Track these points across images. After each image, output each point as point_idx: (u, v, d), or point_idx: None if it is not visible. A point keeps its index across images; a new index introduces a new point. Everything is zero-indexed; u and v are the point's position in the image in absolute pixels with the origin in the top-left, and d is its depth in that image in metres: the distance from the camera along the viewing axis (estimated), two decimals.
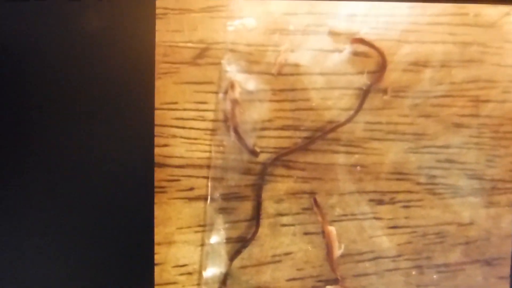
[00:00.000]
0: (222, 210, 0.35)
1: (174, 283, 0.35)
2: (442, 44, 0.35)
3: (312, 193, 0.36)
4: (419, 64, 0.35)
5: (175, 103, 0.35)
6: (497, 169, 0.36)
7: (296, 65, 0.35)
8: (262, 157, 0.35)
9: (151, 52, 0.34)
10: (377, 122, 0.35)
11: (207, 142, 0.35)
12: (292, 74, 0.35)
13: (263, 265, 0.36)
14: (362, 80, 0.35)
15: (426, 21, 0.35)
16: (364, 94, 0.35)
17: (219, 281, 0.36)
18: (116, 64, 0.34)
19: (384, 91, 0.35)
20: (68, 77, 0.34)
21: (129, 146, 0.35)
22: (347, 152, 0.35)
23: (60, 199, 0.35)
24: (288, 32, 0.35)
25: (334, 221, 0.36)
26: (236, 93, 0.35)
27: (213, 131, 0.35)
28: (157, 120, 0.35)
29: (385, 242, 0.36)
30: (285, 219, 0.36)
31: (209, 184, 0.35)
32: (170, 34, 0.34)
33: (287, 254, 0.36)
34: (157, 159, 0.35)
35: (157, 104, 0.35)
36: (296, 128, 0.35)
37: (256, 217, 0.35)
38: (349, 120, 0.35)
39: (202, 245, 0.36)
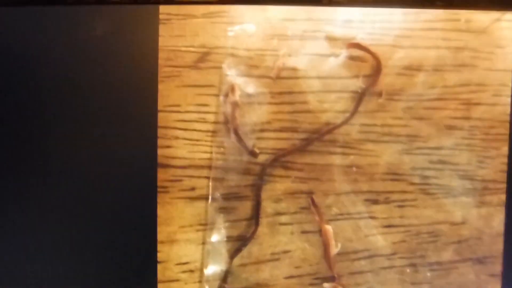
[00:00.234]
0: (223, 210, 0.36)
1: (177, 280, 0.36)
2: (435, 49, 0.36)
3: (309, 193, 0.36)
4: (412, 68, 0.36)
5: (178, 105, 0.35)
6: (488, 170, 0.36)
7: (294, 69, 0.36)
8: (261, 158, 0.36)
9: (154, 57, 0.35)
10: (372, 124, 0.36)
11: (208, 144, 0.36)
12: (290, 78, 0.36)
13: (262, 263, 0.36)
14: (358, 84, 0.36)
15: (419, 27, 0.35)
16: (359, 97, 0.36)
17: (220, 279, 0.36)
18: (121, 68, 0.35)
19: (379, 94, 0.36)
20: (75, 80, 0.35)
21: (133, 147, 0.35)
22: (343, 153, 0.36)
23: (66, 199, 0.35)
24: (287, 38, 0.35)
25: (331, 220, 0.36)
26: (236, 96, 0.35)
27: (214, 133, 0.36)
28: (160, 122, 0.35)
29: (380, 241, 0.36)
30: (283, 218, 0.36)
31: (210, 184, 0.36)
32: (173, 39, 0.35)
33: (285, 252, 0.36)
34: (160, 160, 0.35)
35: (160, 106, 0.35)
36: (294, 130, 0.36)
37: (255, 216, 0.36)
38: (345, 122, 0.36)
39: (204, 243, 0.36)
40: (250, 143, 0.36)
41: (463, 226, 0.36)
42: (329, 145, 0.36)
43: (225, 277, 0.36)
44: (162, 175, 0.35)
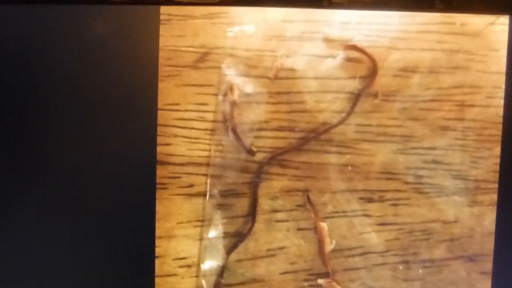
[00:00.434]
0: (220, 206, 0.36)
1: (174, 275, 0.36)
2: (430, 51, 0.36)
3: (305, 191, 0.36)
4: (408, 70, 0.36)
5: (177, 104, 0.36)
6: (480, 170, 0.36)
7: (292, 70, 0.36)
8: (259, 157, 0.36)
9: (155, 56, 0.35)
10: (367, 125, 0.36)
11: (207, 142, 0.36)
12: (287, 78, 0.36)
13: (258, 258, 0.36)
14: (354, 85, 0.36)
15: (415, 30, 0.36)
16: (355, 97, 0.36)
17: (217, 274, 0.36)
18: (122, 67, 0.35)
19: (375, 95, 0.36)
20: (76, 79, 0.35)
21: (133, 145, 0.36)
22: (339, 153, 0.36)
23: (67, 194, 0.36)
24: (285, 39, 0.36)
25: (326, 217, 0.36)
26: (235, 96, 0.36)
27: (213, 131, 0.36)
28: (160, 120, 0.36)
29: (374, 238, 0.36)
30: (279, 215, 0.36)
31: (208, 181, 0.36)
32: (173, 39, 0.35)
33: (281, 248, 0.36)
34: (159, 157, 0.36)
35: (160, 105, 0.36)
36: (291, 129, 0.36)
37: (252, 213, 0.36)
38: (341, 122, 0.36)
39: (201, 239, 0.36)
40: (248, 141, 0.36)
41: (455, 225, 0.36)
42: (325, 144, 0.36)
43: (222, 272, 0.36)
44: (161, 172, 0.36)
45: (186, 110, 0.36)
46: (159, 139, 0.36)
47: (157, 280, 0.36)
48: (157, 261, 0.36)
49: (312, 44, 0.36)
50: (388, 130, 0.36)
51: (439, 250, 0.37)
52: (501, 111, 0.36)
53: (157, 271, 0.36)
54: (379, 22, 0.36)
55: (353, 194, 0.36)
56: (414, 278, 0.37)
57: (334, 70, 0.36)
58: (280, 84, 0.36)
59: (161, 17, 0.35)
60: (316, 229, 0.36)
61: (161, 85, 0.36)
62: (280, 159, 0.36)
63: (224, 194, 0.36)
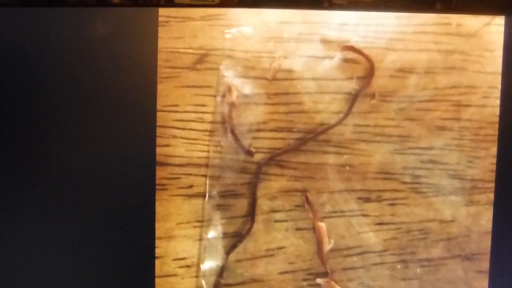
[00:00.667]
0: (219, 207, 0.36)
1: (174, 275, 0.36)
2: (426, 52, 0.36)
3: (303, 191, 0.37)
4: (404, 71, 0.36)
5: (176, 105, 0.36)
6: (477, 170, 0.37)
7: (290, 71, 0.36)
8: (257, 157, 0.36)
9: (153, 58, 0.35)
10: (365, 125, 0.36)
11: (206, 143, 0.36)
12: (285, 79, 0.36)
13: (257, 258, 0.37)
14: (351, 85, 0.36)
15: (411, 30, 0.36)
16: (353, 98, 0.36)
17: (216, 274, 0.37)
18: (121, 68, 0.35)
19: (372, 96, 0.36)
20: (76, 81, 0.36)
21: (132, 146, 0.36)
22: (337, 153, 0.36)
23: (66, 195, 0.36)
24: (282, 40, 0.36)
25: (324, 217, 0.37)
26: (233, 97, 0.36)
27: (212, 132, 0.36)
28: (159, 122, 0.36)
29: (372, 238, 0.37)
30: (278, 216, 0.37)
31: (207, 182, 0.36)
32: (172, 41, 0.36)
33: (280, 248, 0.37)
34: (158, 158, 0.36)
35: (159, 106, 0.36)
36: (289, 130, 0.36)
37: (251, 213, 0.36)
38: (338, 122, 0.36)
39: (200, 239, 0.36)
40: (246, 142, 0.36)
41: (452, 224, 0.37)
42: (323, 144, 0.36)
43: (221, 272, 0.37)
44: (160, 173, 0.36)
45: (185, 112, 0.36)
46: (158, 140, 0.36)
47: (157, 280, 0.36)
48: (157, 262, 0.36)
49: (309, 45, 0.36)
50: (385, 131, 0.36)
51: (436, 249, 0.37)
52: (497, 111, 0.36)
53: (157, 271, 0.36)
54: (376, 23, 0.36)
55: (351, 194, 0.37)
56: (412, 277, 0.37)
57: (331, 71, 0.36)
58: (278, 85, 0.36)
59: (160, 19, 0.35)
60: (314, 229, 0.37)
61: (160, 86, 0.36)
62: (279, 159, 0.36)
63: (223, 194, 0.36)
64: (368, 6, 0.37)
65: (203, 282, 0.37)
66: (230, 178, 0.36)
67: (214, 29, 0.36)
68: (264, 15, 0.36)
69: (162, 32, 0.36)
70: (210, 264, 0.37)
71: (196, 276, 0.37)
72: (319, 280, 0.37)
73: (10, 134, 0.36)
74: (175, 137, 0.36)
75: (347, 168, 0.36)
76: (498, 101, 0.36)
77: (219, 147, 0.36)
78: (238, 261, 0.37)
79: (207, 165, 0.36)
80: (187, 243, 0.36)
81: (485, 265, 0.37)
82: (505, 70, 0.36)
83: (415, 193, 0.37)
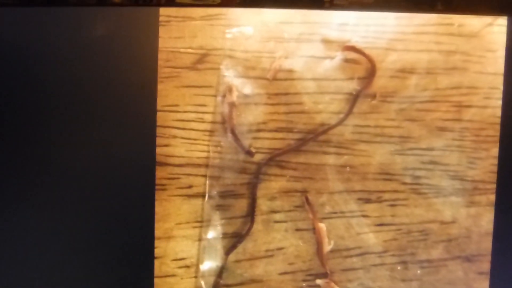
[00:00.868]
0: (219, 207, 0.36)
1: (173, 275, 0.36)
2: (427, 52, 0.36)
3: (303, 192, 0.36)
4: (405, 71, 0.36)
5: (176, 105, 0.36)
6: (478, 171, 0.36)
7: (290, 71, 0.36)
8: (257, 157, 0.36)
9: (154, 58, 0.35)
10: (365, 125, 0.36)
11: (206, 143, 0.36)
12: (286, 79, 0.36)
13: (256, 259, 0.37)
14: (352, 86, 0.36)
15: (412, 31, 0.36)
16: (353, 98, 0.36)
17: (215, 274, 0.37)
18: (121, 68, 0.35)
19: (373, 96, 0.36)
20: (76, 80, 0.36)
21: (132, 146, 0.36)
22: (337, 153, 0.36)
23: (66, 195, 0.36)
24: (283, 40, 0.36)
25: (324, 218, 0.37)
26: (234, 97, 0.36)
27: (212, 132, 0.36)
28: (159, 122, 0.36)
29: (372, 239, 0.37)
30: (277, 216, 0.37)
31: (207, 182, 0.36)
32: (172, 41, 0.36)
33: (279, 249, 0.37)
34: (158, 158, 0.36)
35: (159, 106, 0.36)
36: (289, 130, 0.36)
37: (250, 213, 0.36)
38: (339, 123, 0.36)
39: (200, 240, 0.36)
40: (246, 142, 0.36)
41: (452, 225, 0.37)
42: (323, 145, 0.36)
43: (220, 272, 0.37)
44: (160, 173, 0.36)
45: (185, 111, 0.36)
46: (158, 140, 0.36)
47: (156, 280, 0.36)
48: (156, 262, 0.36)
49: (310, 45, 0.36)
50: (386, 131, 0.36)
51: (436, 250, 0.37)
52: (498, 112, 0.36)
53: (156, 271, 0.36)
54: (377, 24, 0.36)
55: (351, 195, 0.37)
56: (412, 279, 0.37)
57: (332, 71, 0.36)
58: (278, 85, 0.36)
59: (160, 18, 0.35)
60: (314, 230, 0.37)
61: (160, 86, 0.36)
62: (279, 160, 0.36)
63: (223, 195, 0.36)
64: (368, 6, 0.37)
65: (202, 283, 0.37)
66: (230, 178, 0.36)
67: (214, 29, 0.36)
68: (265, 15, 0.36)
69: (162, 32, 0.36)
70: (209, 265, 0.37)
71: (195, 277, 0.37)
72: (318, 281, 0.37)
73: (10, 134, 0.36)
74: (175, 137, 0.36)
75: (347, 168, 0.36)
76: (499, 102, 0.36)
77: (219, 147, 0.36)
78: (238, 261, 0.37)
79: (207, 165, 0.36)
80: (187, 243, 0.36)
81: (486, 266, 0.37)
82: (507, 70, 0.36)
83: (416, 194, 0.37)
